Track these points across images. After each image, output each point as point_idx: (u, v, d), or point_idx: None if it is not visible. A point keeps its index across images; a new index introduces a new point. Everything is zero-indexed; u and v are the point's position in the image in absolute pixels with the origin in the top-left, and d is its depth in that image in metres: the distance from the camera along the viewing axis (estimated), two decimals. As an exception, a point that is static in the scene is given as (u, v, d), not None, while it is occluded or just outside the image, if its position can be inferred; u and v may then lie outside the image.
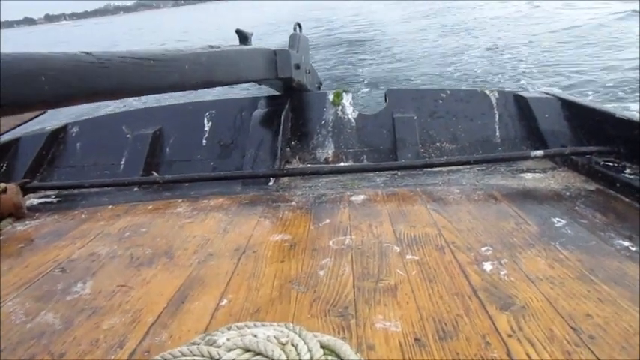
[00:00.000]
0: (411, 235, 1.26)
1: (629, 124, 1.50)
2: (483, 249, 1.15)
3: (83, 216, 1.66)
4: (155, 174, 2.17)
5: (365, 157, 2.05)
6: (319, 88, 2.74)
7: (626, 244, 1.12)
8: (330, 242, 1.25)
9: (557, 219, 1.28)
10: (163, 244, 1.34)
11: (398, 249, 1.18)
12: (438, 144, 2.03)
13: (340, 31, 14.72)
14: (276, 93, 2.33)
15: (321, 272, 1.10)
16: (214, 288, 1.06)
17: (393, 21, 15.84)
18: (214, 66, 1.28)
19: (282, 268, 1.14)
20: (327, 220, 1.40)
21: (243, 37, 1.62)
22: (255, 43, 1.81)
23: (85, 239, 1.43)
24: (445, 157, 1.97)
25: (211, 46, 1.28)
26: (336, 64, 9.03)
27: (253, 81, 1.74)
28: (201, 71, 1.20)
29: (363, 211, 1.45)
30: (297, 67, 2.15)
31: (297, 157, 2.10)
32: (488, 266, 1.07)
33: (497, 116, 2.07)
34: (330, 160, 2.06)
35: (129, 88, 0.96)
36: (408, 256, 1.14)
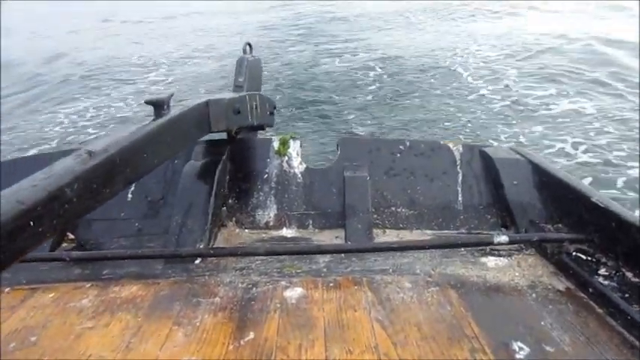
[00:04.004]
0: None
1: (605, 213, 1.32)
2: None
3: None
4: (71, 235, 1.88)
5: (311, 221, 1.81)
6: (272, 114, 2.47)
7: None
8: None
9: (519, 344, 1.08)
10: None
11: None
12: (393, 208, 1.81)
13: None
14: (217, 137, 2.06)
15: None
16: None
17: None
18: (120, 165, 1.03)
19: None
20: (251, 335, 1.16)
21: (158, 106, 1.34)
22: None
23: None
24: (400, 225, 1.76)
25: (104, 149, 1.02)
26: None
27: (184, 148, 1.50)
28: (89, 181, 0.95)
29: (295, 319, 1.22)
30: (238, 111, 1.89)
31: (234, 219, 1.84)
32: None
33: (460, 176, 1.86)
34: (272, 224, 1.82)
35: None
36: None
